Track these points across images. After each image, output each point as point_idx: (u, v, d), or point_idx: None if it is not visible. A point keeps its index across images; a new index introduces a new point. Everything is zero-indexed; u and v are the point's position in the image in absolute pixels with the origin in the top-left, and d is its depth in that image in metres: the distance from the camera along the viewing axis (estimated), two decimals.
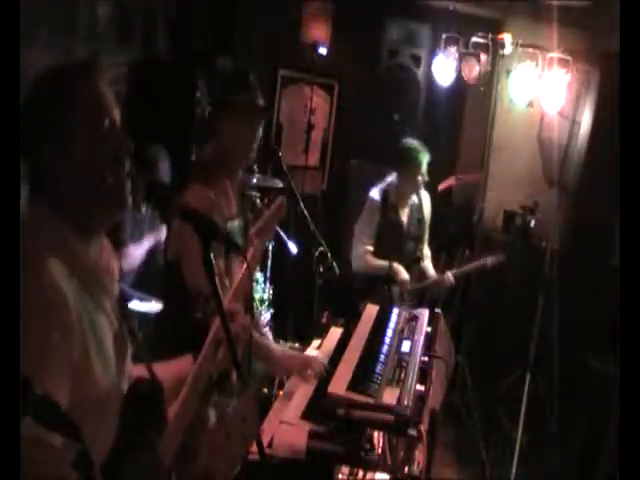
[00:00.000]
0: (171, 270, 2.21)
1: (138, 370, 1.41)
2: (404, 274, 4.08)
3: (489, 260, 4.26)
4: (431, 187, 4.56)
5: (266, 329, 2.59)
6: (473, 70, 4.43)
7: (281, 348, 2.34)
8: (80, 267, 1.26)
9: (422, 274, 4.33)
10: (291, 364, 2.24)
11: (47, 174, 1.26)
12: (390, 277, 4.07)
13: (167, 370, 1.47)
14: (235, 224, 2.32)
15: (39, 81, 1.28)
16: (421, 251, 4.33)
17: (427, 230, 4.39)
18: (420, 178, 4.12)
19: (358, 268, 4.15)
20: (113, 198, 1.30)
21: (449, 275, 4.25)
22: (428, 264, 4.40)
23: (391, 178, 4.24)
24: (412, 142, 4.17)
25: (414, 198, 4.27)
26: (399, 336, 2.31)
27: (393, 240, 4.18)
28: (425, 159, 4.09)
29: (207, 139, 2.32)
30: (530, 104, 4.51)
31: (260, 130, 2.32)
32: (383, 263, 4.08)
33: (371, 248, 4.15)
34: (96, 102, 1.28)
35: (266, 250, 4.31)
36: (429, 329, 2.45)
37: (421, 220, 4.31)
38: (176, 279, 2.15)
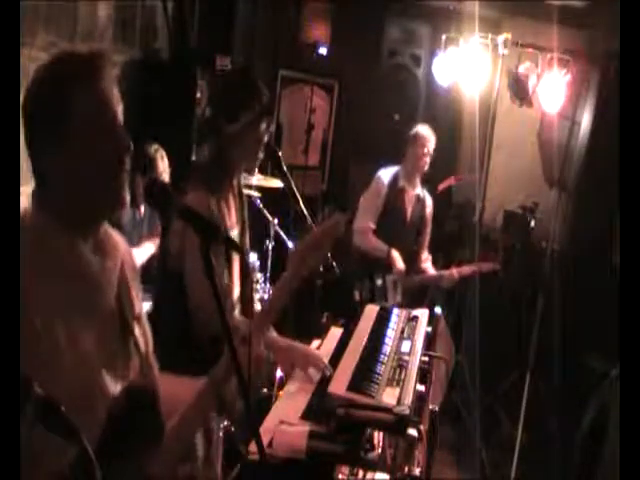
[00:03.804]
0: (171, 278, 2.19)
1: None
2: (401, 263, 4.10)
3: (483, 266, 4.26)
4: (431, 188, 4.57)
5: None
6: (473, 70, 4.43)
7: (284, 340, 2.32)
8: (68, 267, 1.25)
9: (422, 274, 4.34)
10: (294, 356, 2.23)
11: (48, 171, 1.25)
12: (387, 264, 4.10)
13: (189, 388, 1.46)
14: (234, 233, 2.31)
15: (42, 77, 1.25)
16: (419, 245, 4.34)
17: (428, 230, 4.40)
18: (426, 160, 4.19)
19: (358, 243, 4.19)
20: (113, 197, 1.29)
21: (454, 271, 4.24)
22: (429, 266, 4.41)
23: (399, 167, 4.29)
24: (422, 127, 4.29)
25: (419, 191, 4.31)
26: (399, 336, 2.31)
27: (394, 226, 4.22)
28: (432, 143, 4.20)
29: (207, 140, 2.28)
30: (530, 104, 4.52)
31: (265, 135, 2.29)
32: (382, 246, 4.13)
33: (373, 226, 4.20)
34: (100, 100, 1.26)
35: (266, 250, 4.31)
36: (429, 329, 2.44)
37: (423, 216, 4.35)
38: (177, 289, 2.14)
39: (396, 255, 4.11)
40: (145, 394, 1.31)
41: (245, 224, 2.43)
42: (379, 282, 4.13)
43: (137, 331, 1.40)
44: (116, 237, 1.43)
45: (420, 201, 4.33)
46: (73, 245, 1.27)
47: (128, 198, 1.32)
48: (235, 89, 2.29)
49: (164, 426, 1.31)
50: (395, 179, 4.26)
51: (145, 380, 1.37)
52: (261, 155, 2.29)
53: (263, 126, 2.25)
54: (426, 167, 4.25)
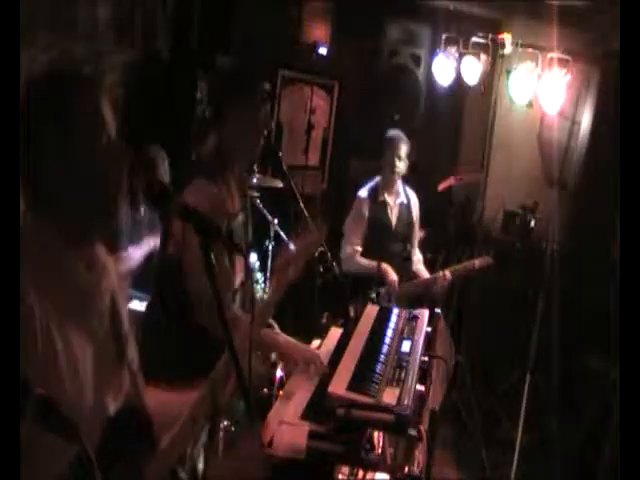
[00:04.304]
0: (170, 272, 2.20)
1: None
2: (393, 274, 4.09)
3: (477, 262, 4.25)
4: (430, 187, 4.57)
5: (271, 320, 2.58)
6: (473, 70, 4.43)
7: (285, 337, 2.34)
8: (63, 279, 1.24)
9: (415, 278, 4.33)
10: (295, 353, 2.24)
11: (47, 174, 1.25)
12: (379, 278, 4.09)
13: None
14: (239, 220, 2.31)
15: (41, 79, 1.24)
16: (409, 252, 4.33)
17: (416, 233, 4.39)
18: (401, 164, 4.13)
19: (347, 269, 4.16)
20: (112, 200, 1.29)
21: (446, 272, 4.23)
22: (421, 267, 4.38)
23: (378, 177, 4.27)
24: (393, 131, 4.24)
25: (402, 197, 4.29)
26: (399, 336, 2.31)
27: (381, 239, 4.21)
28: (404, 146, 4.13)
29: (207, 137, 2.29)
30: (530, 104, 4.52)
31: (265, 124, 2.29)
32: (372, 263, 4.10)
33: (360, 248, 4.19)
34: (100, 101, 1.27)
35: (266, 250, 4.31)
36: (429, 329, 2.44)
37: (410, 222, 4.33)
38: (175, 282, 2.14)
39: (387, 267, 4.10)
40: (138, 413, 1.30)
41: (248, 212, 2.43)
42: (373, 296, 4.13)
43: (128, 349, 1.39)
44: (106, 255, 1.41)
45: (404, 207, 4.30)
46: (69, 258, 1.26)
47: (126, 203, 1.32)
48: (233, 78, 2.31)
49: (157, 442, 1.30)
50: (375, 193, 4.23)
51: (137, 398, 1.37)
52: (261, 144, 2.29)
53: (262, 113, 2.26)
54: (403, 172, 4.19)
